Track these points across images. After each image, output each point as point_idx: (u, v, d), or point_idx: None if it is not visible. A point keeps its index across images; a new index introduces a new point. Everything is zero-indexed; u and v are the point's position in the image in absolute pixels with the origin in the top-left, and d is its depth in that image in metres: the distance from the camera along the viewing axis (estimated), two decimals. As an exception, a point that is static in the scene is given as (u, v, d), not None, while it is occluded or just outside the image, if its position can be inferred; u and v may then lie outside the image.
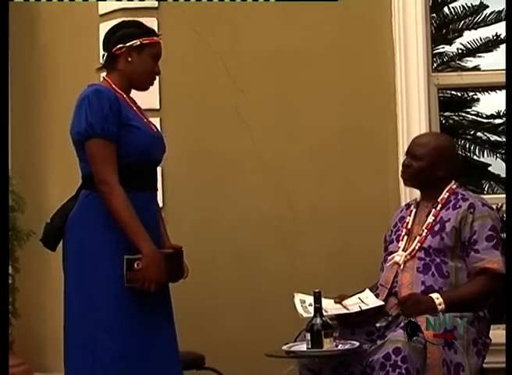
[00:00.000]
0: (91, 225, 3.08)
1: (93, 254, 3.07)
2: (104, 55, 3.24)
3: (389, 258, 3.56)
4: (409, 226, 3.58)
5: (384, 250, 3.72)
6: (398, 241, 3.58)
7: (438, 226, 3.48)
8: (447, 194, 3.56)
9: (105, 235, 3.06)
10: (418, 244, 3.48)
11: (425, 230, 3.49)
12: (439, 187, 3.57)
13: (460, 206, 3.49)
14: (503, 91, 8.01)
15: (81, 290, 3.08)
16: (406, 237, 3.56)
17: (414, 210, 3.62)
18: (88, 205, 3.11)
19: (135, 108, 3.22)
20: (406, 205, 3.78)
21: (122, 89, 3.20)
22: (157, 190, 3.32)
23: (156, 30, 4.21)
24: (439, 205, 3.53)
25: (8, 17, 3.64)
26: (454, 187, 3.59)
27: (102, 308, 3.04)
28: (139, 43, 3.19)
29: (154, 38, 3.25)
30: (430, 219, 3.51)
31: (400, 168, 3.71)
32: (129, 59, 3.19)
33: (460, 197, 3.54)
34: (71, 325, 3.12)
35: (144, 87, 3.28)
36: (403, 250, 3.52)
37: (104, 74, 3.28)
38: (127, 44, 3.18)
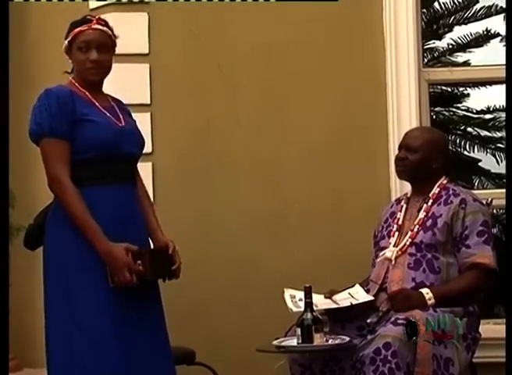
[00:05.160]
0: (64, 224, 3.09)
1: (67, 252, 3.08)
2: None
3: (381, 254, 3.56)
4: (400, 222, 3.58)
5: (374, 245, 3.72)
6: (389, 237, 3.58)
7: (430, 221, 3.48)
8: (438, 189, 3.56)
9: (78, 234, 3.06)
10: (410, 240, 3.48)
11: (417, 226, 3.49)
12: (432, 181, 3.57)
13: (451, 202, 3.50)
14: (494, 87, 8.04)
15: (57, 289, 3.09)
16: (397, 233, 3.56)
17: (404, 205, 3.63)
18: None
19: (97, 104, 3.22)
20: (396, 200, 3.78)
21: (83, 86, 3.24)
22: (133, 184, 3.27)
23: (147, 25, 4.25)
24: (431, 201, 3.53)
25: (8, 17, 3.65)
26: (445, 182, 3.59)
27: (77, 306, 3.04)
28: (67, 43, 3.25)
29: (75, 30, 3.24)
30: (422, 214, 3.51)
31: (393, 162, 3.71)
32: (70, 61, 3.28)
33: (451, 192, 3.54)
34: (50, 322, 3.12)
35: (90, 79, 3.26)
36: (394, 246, 3.52)
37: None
38: (63, 48, 3.27)
